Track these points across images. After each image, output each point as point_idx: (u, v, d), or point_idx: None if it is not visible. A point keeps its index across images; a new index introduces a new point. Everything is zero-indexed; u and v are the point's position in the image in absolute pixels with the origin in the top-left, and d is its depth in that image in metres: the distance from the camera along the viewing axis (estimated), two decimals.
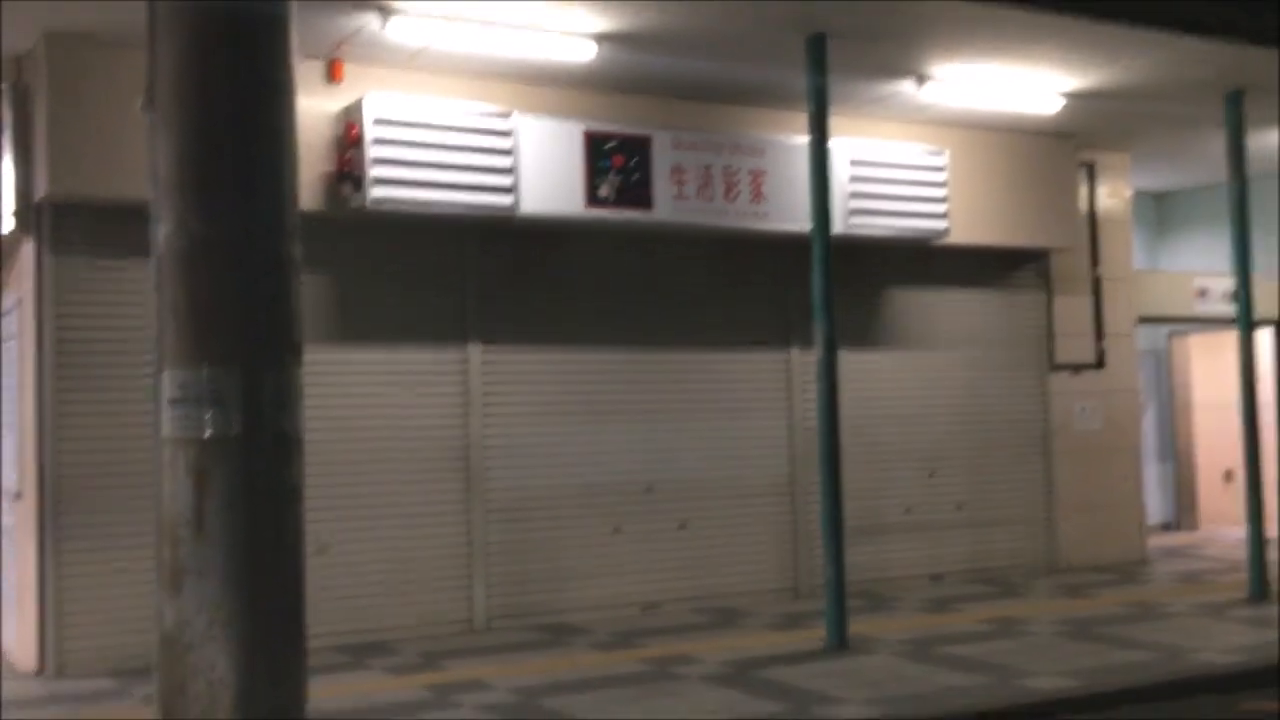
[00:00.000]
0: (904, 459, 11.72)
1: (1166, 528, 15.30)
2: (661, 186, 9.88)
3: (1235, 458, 14.96)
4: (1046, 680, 7.66)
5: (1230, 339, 14.88)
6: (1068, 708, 7.25)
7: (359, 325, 9.50)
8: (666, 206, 9.90)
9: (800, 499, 11.04)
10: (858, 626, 9.24)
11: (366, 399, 9.50)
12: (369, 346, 9.52)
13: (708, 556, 10.74)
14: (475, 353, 9.90)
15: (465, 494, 9.79)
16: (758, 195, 10.31)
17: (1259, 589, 10.35)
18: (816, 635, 8.99)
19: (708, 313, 10.91)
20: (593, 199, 9.67)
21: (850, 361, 11.35)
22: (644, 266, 10.66)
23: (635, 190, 9.80)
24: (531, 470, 10.07)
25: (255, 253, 3.95)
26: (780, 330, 11.16)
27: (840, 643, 8.72)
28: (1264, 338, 14.02)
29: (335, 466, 9.21)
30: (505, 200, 9.29)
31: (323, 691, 7.37)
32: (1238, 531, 14.38)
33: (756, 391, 11.08)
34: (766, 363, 11.13)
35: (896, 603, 10.66)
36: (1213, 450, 15.34)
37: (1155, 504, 15.04)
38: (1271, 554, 11.00)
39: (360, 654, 8.89)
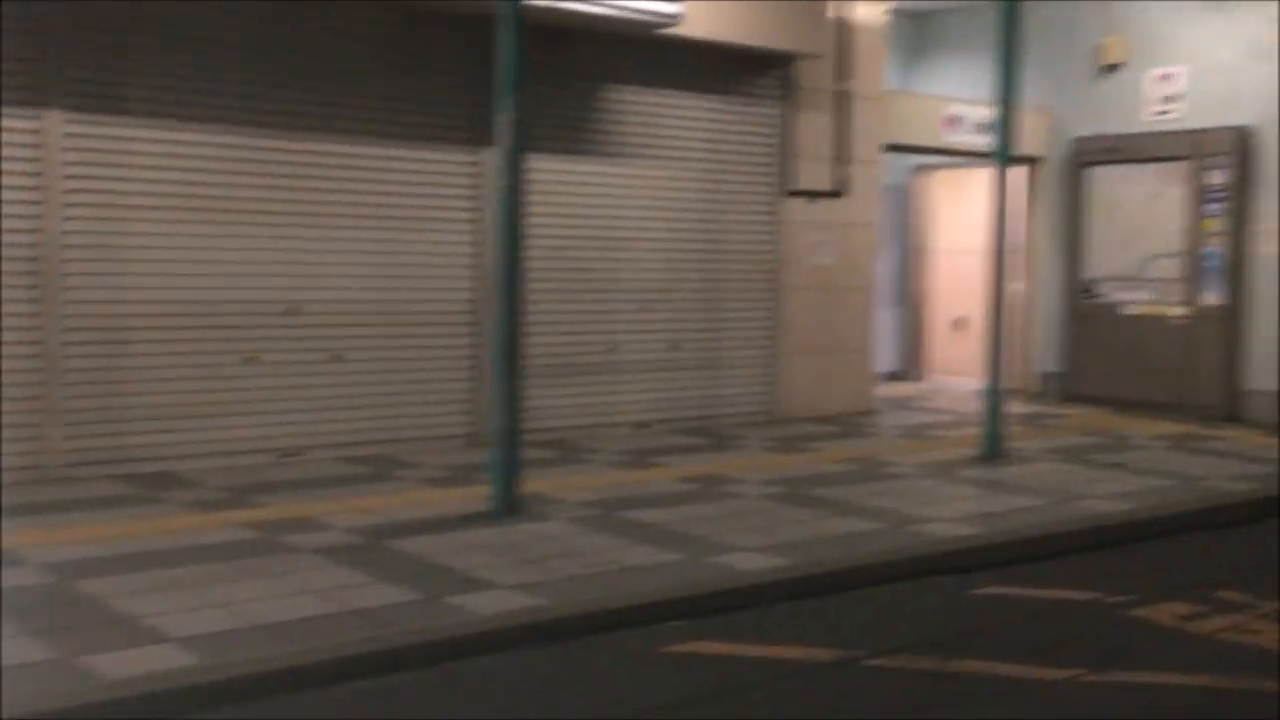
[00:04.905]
0: (613, 289, 10.03)
1: (893, 377, 14.32)
2: None
3: (967, 306, 14.11)
4: (748, 558, 6.18)
5: (975, 179, 13.88)
6: (771, 593, 5.79)
7: None
8: None
9: (487, 330, 9.21)
10: (538, 484, 7.58)
11: None
12: None
13: (366, 394, 8.83)
14: (55, 122, 7.51)
15: (36, 307, 7.51)
16: None
17: (993, 447, 9.24)
18: (482, 494, 7.28)
19: (381, 98, 8.79)
20: None
21: (554, 171, 9.51)
22: (301, 32, 8.40)
23: None
24: (134, 281, 7.84)
25: None
26: (472, 126, 9.16)
27: (508, 506, 7.02)
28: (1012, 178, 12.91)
29: None
30: None
31: None
32: (964, 382, 13.54)
33: (438, 199, 9.10)
34: (452, 164, 9.14)
35: (590, 455, 9.08)
36: (945, 297, 14.36)
37: (883, 352, 13.99)
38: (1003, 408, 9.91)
39: None
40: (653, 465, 8.74)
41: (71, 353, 7.62)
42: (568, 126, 9.62)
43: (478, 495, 7.35)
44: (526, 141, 7.06)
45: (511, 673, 4.80)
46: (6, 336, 7.41)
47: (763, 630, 5.37)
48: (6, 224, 7.38)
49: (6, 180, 7.37)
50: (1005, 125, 9.18)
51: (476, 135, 9.12)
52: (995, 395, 9.28)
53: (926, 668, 4.93)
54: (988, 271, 9.40)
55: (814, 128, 11.00)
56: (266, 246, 8.34)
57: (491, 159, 9.06)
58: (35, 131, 7.44)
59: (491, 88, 8.68)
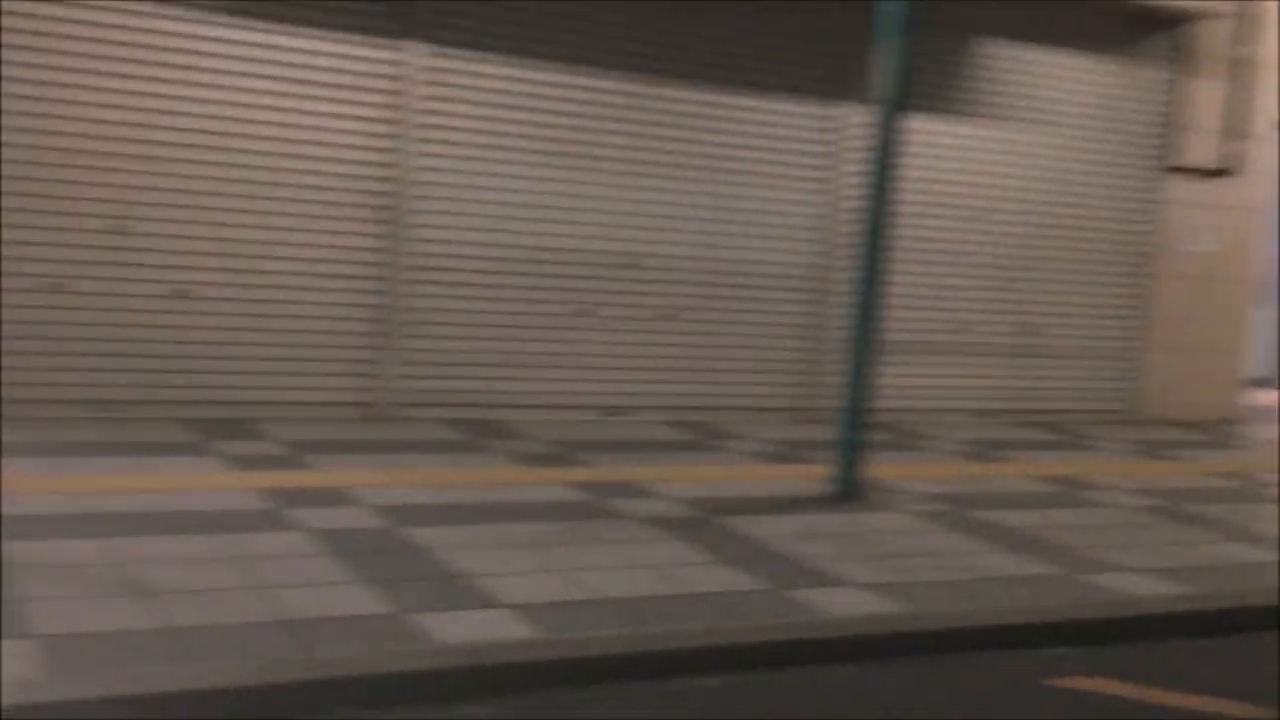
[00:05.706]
0: (966, 263, 9.22)
1: (1258, 383, 12.81)
2: None
3: None
4: (1134, 580, 5.35)
5: None
6: (1170, 626, 4.96)
7: None
8: None
9: (831, 298, 8.63)
10: (876, 468, 6.93)
11: (246, 99, 7.05)
12: (252, 24, 7.01)
13: (699, 357, 8.40)
14: (418, 54, 7.37)
15: (384, 243, 7.41)
16: None
17: None
18: (819, 475, 6.70)
19: (737, 44, 8.28)
20: None
21: (914, 130, 8.74)
22: None
23: None
24: (479, 223, 7.66)
25: None
26: (830, 78, 8.53)
27: (848, 490, 6.42)
28: None
29: (197, 185, 6.89)
30: None
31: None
32: None
33: (788, 153, 8.53)
34: (806, 118, 8.54)
35: (930, 442, 8.35)
36: None
37: (1250, 354, 12.54)
38: None
39: (215, 434, 6.72)
40: (1001, 459, 7.94)
41: (412, 291, 7.50)
42: (933, 82, 8.85)
43: (813, 475, 6.78)
44: (907, 95, 6.35)
45: (877, 688, 4.21)
46: (353, 270, 7.36)
47: (1168, 672, 4.55)
48: (361, 157, 7.31)
49: (364, 112, 7.29)
50: None
51: (833, 88, 8.50)
52: None
53: None
54: None
55: (1205, 97, 9.79)
56: (610, 195, 8.00)
57: (847, 114, 8.46)
58: (395, 64, 7.32)
59: (852, 33, 8.09)
